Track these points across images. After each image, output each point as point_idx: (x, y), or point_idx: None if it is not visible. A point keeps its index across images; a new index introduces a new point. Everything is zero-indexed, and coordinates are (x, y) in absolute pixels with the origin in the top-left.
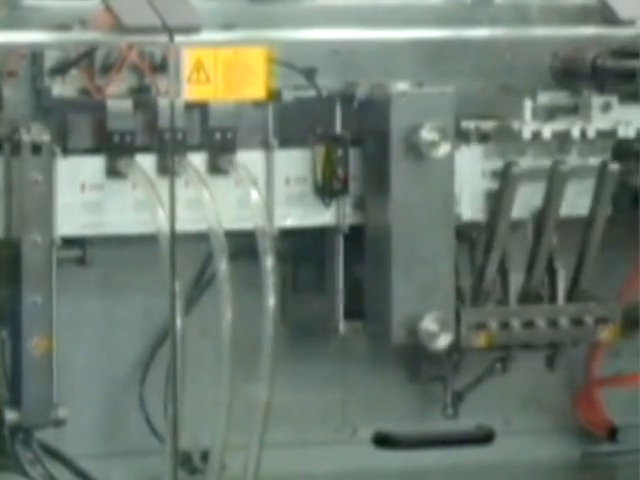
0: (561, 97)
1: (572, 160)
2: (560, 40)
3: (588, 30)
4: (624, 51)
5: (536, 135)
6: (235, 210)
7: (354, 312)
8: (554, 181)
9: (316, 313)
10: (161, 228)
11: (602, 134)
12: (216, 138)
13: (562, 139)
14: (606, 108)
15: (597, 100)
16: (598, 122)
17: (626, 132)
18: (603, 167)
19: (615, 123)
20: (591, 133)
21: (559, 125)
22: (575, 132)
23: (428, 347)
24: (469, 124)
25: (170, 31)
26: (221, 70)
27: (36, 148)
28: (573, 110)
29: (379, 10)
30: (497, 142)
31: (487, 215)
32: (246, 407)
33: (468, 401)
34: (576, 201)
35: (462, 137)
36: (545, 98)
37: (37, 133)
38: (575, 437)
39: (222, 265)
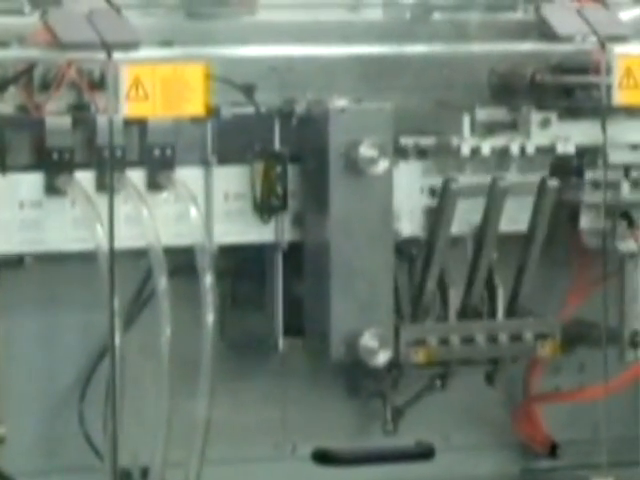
0: (499, 113)
1: (511, 176)
2: (498, 56)
3: (526, 46)
4: (562, 67)
5: (475, 151)
6: (174, 227)
7: (294, 329)
8: (493, 197)
9: (255, 330)
10: (100, 245)
11: (541, 150)
12: (155, 155)
13: (501, 155)
14: (545, 124)
15: (536, 116)
16: (537, 138)
17: (565, 148)
18: (542, 183)
19: (554, 139)
20: (530, 149)
21: (498, 141)
22: (514, 148)
23: (368, 363)
24: (408, 140)
25: (108, 48)
26: (160, 87)
27: None
28: (512, 126)
29: (317, 26)
30: (436, 158)
31: (426, 231)
32: (186, 424)
33: (408, 417)
34: (515, 217)
35: (401, 153)
36: (483, 114)
37: None
38: (515, 453)
39: (161, 282)
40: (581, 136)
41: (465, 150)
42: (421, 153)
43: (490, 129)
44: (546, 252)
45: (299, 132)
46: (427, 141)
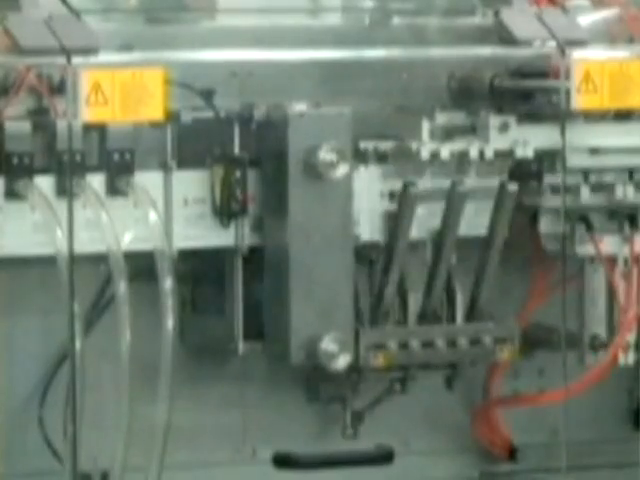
0: (458, 117)
1: (470, 180)
2: (457, 60)
3: (485, 50)
4: (521, 71)
5: (434, 155)
6: (134, 231)
7: (253, 333)
8: (452, 201)
9: (215, 334)
10: (60, 249)
11: (500, 154)
12: (114, 159)
13: (460, 159)
14: (504, 128)
15: (495, 120)
16: (496, 142)
17: (524, 152)
18: (501, 187)
19: (513, 143)
20: (489, 153)
21: (457, 145)
22: (473, 152)
23: (327, 368)
24: (367, 145)
25: (68, 53)
26: (119, 91)
27: None
28: (471, 130)
29: (277, 31)
30: (395, 162)
31: (386, 236)
32: (146, 428)
33: (368, 421)
34: (475, 221)
35: (360, 158)
36: (443, 118)
37: None
38: (474, 457)
39: (121, 286)
40: (540, 140)
41: (425, 154)
42: (381, 157)
43: (449, 134)
44: (505, 256)
45: (258, 137)
46: (386, 145)
